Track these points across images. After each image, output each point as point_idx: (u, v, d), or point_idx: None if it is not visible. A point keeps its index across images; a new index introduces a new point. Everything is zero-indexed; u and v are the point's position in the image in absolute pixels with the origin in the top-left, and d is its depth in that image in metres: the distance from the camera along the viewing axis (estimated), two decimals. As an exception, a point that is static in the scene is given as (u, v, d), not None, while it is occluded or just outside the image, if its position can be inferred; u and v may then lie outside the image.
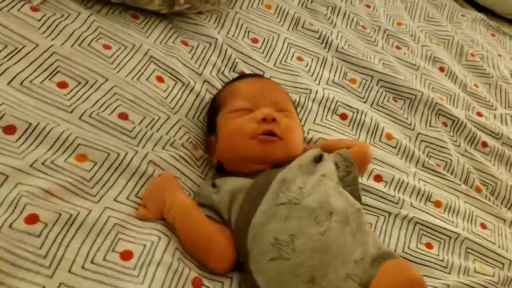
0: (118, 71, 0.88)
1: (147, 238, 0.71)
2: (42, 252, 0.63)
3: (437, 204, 1.02)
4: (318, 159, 0.85)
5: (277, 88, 0.95)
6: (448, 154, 1.12)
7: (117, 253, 0.68)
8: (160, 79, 0.92)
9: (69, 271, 0.63)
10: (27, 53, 0.81)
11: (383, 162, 1.03)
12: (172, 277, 0.68)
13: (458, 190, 1.07)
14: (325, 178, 0.79)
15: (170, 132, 0.86)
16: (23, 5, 0.87)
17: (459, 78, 1.34)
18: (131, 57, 0.92)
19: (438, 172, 1.08)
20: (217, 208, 0.78)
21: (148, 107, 0.87)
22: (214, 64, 1.03)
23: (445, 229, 0.96)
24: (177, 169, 0.82)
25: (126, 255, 0.68)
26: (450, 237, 0.96)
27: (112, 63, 0.89)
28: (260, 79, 0.98)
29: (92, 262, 0.66)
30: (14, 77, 0.78)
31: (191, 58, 1.01)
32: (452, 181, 1.08)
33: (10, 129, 0.72)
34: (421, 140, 1.14)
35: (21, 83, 0.78)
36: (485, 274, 0.92)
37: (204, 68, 1.01)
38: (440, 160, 1.12)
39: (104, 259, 0.67)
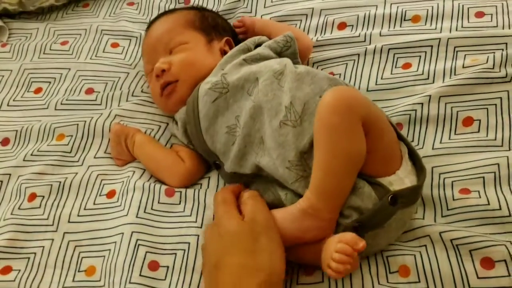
0: (78, 57, 1.03)
1: (124, 175, 0.85)
2: (45, 216, 0.82)
3: (415, 19, 0.95)
4: (247, 50, 0.87)
5: (162, 28, 0.91)
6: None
7: (104, 195, 0.83)
8: (115, 45, 1.05)
9: (69, 221, 0.81)
10: (6, 80, 1.01)
11: (341, 8, 0.99)
12: (148, 195, 0.80)
13: (444, -7, 0.97)
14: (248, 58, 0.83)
15: (131, 85, 0.97)
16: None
17: None
18: (86, 40, 1.06)
19: (415, -15, 0.99)
20: (182, 141, 0.86)
21: (108, 74, 0.99)
22: (159, 7, 1.10)
23: (423, 40, 0.90)
24: (142, 112, 0.93)
25: (111, 194, 0.83)
26: (432, 46, 0.89)
27: (71, 54, 1.04)
28: (149, 29, 0.95)
29: (85, 208, 0.82)
30: (1, 102, 0.98)
31: (138, 13, 1.10)
32: (436, -14, 0.98)
33: (5, 141, 0.92)
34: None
35: (8, 104, 0.98)
36: (476, 65, 0.84)
37: (151, 15, 1.09)
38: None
39: (94, 203, 0.82)
